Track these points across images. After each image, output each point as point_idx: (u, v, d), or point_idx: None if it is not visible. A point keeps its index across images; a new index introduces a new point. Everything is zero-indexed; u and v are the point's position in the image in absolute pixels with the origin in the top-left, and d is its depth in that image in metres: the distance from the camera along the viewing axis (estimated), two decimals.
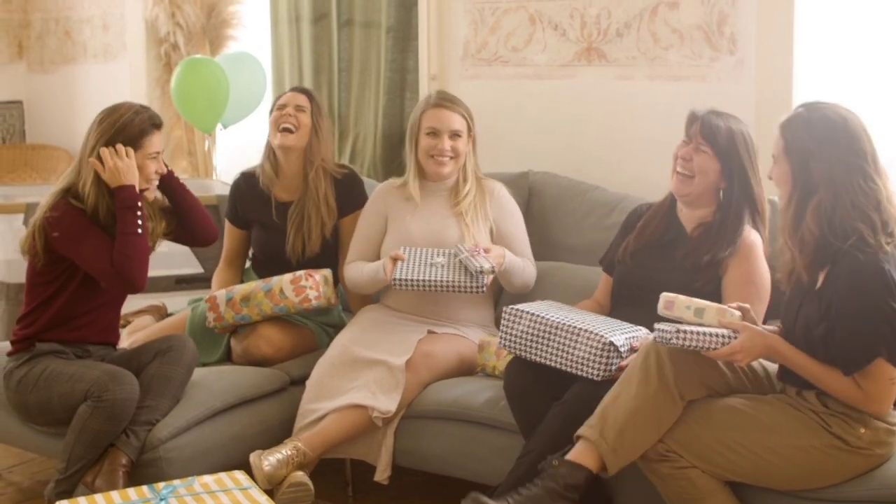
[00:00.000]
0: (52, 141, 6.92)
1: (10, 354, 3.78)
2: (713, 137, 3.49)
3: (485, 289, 3.78)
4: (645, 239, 3.65)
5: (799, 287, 3.06)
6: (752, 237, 3.51)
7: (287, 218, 4.25)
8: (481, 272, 3.73)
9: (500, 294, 4.25)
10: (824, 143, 2.96)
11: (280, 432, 3.80)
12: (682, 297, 3.11)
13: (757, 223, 3.55)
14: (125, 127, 3.68)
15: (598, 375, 3.28)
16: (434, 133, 4.01)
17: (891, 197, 2.97)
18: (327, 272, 4.08)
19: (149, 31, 6.18)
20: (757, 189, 3.52)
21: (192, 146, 6.25)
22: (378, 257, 4.08)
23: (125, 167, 3.64)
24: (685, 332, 3.02)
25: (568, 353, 3.34)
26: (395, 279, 3.79)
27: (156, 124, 3.76)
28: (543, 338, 3.40)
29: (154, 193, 3.83)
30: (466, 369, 3.90)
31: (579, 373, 3.32)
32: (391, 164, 5.17)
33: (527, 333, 3.44)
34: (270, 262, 4.31)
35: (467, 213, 4.02)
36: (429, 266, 3.81)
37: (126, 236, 3.62)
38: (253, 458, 3.58)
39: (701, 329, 3.03)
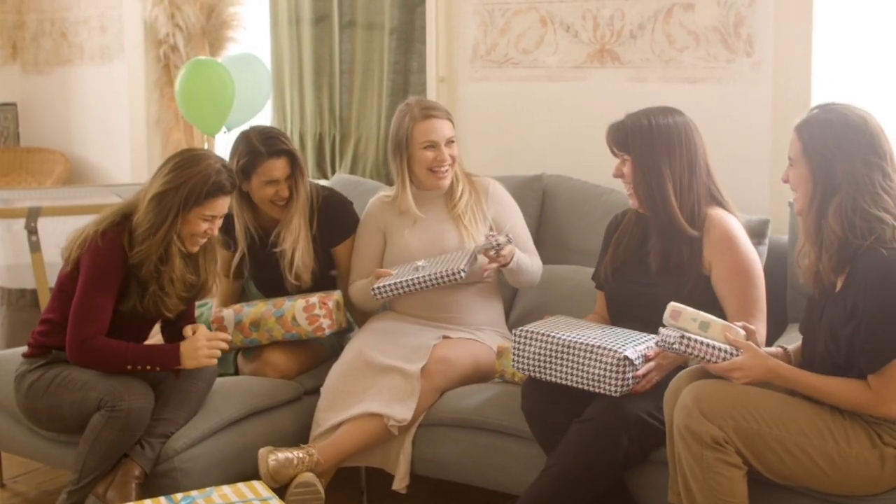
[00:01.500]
0: (47, 144, 6.82)
1: (25, 356, 3.68)
2: (623, 143, 3.47)
3: (463, 274, 3.69)
4: (621, 256, 3.59)
5: (820, 292, 3.02)
6: (727, 222, 3.43)
7: (275, 257, 4.06)
8: (497, 245, 3.68)
9: (515, 296, 4.19)
10: (845, 142, 2.92)
11: (294, 442, 3.72)
12: (689, 309, 3.08)
13: (722, 203, 3.48)
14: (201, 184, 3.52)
15: (615, 391, 3.22)
16: (432, 146, 3.94)
17: None
18: (339, 296, 3.99)
19: (147, 33, 6.09)
20: (685, 178, 3.41)
21: None
22: None
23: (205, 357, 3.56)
24: (689, 339, 3.01)
25: (583, 371, 3.28)
26: (373, 288, 3.77)
27: (225, 189, 3.57)
28: (556, 358, 3.34)
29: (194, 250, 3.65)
30: (483, 375, 3.84)
31: (597, 390, 3.26)
32: (389, 171, 5.10)
33: (539, 354, 3.37)
34: (269, 290, 4.16)
35: (465, 214, 3.97)
36: (410, 270, 3.78)
37: (124, 356, 3.49)
38: (262, 451, 3.52)
39: (704, 340, 3.01)
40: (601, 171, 4.40)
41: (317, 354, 4.12)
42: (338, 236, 4.13)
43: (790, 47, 4.07)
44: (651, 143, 3.41)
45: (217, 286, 4.00)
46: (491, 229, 3.98)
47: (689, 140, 3.43)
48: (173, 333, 3.73)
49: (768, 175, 4.08)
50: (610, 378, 3.21)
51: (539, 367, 3.37)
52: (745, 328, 3.07)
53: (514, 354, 3.43)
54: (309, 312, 3.89)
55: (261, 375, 3.96)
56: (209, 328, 4.02)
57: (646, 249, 3.52)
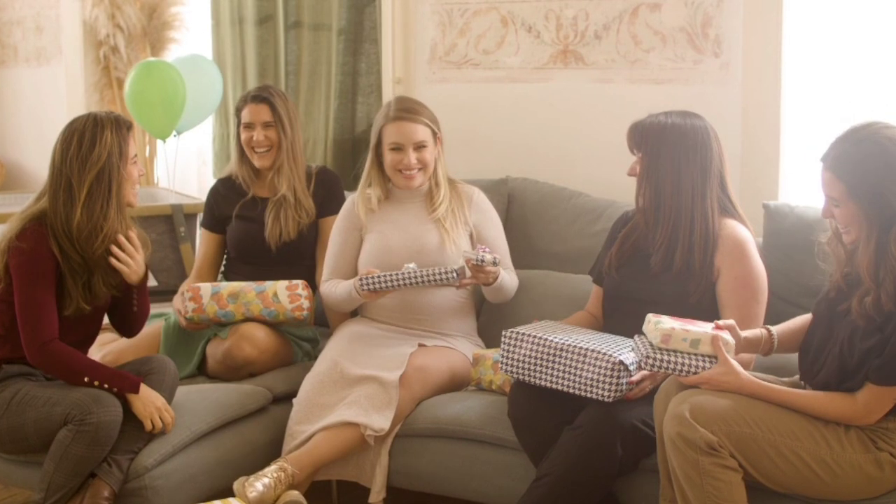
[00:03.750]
0: None
1: None
2: (639, 141, 3.42)
3: (456, 275, 3.64)
4: (627, 251, 3.54)
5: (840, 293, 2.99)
6: (739, 233, 3.40)
7: (266, 210, 4.17)
8: (482, 262, 3.60)
9: (482, 305, 4.11)
10: (888, 175, 2.85)
11: (267, 454, 3.62)
12: (678, 329, 3.02)
13: (735, 215, 3.44)
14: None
15: (609, 396, 3.16)
16: (398, 148, 3.86)
17: None
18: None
19: (87, 34, 5.93)
20: (697, 182, 3.36)
21: None
22: (354, 273, 3.93)
23: (139, 258, 3.51)
24: (653, 359, 2.99)
25: (575, 375, 3.21)
26: (360, 278, 3.72)
27: (129, 127, 3.54)
28: (548, 361, 3.26)
29: (138, 201, 3.61)
30: (458, 383, 3.77)
31: (589, 395, 3.19)
32: (342, 170, 5.00)
33: (529, 357, 3.30)
34: (246, 254, 4.21)
35: (445, 218, 3.90)
36: (399, 270, 3.72)
37: (85, 369, 3.40)
38: (237, 486, 3.37)
39: (672, 357, 2.99)
40: (568, 174, 4.40)
41: (287, 350, 4.05)
42: (330, 206, 4.20)
43: (760, 48, 4.04)
44: (662, 141, 3.36)
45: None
46: (471, 237, 3.92)
47: (704, 145, 3.38)
48: (120, 318, 3.69)
49: (738, 176, 4.04)
50: (603, 383, 3.15)
51: (528, 370, 3.30)
52: (731, 330, 3.05)
53: (502, 356, 3.35)
54: (292, 291, 3.90)
55: (237, 352, 3.87)
56: (178, 336, 4.02)
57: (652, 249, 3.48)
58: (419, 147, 3.86)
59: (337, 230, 4.01)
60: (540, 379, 3.28)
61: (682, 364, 2.99)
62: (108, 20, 5.82)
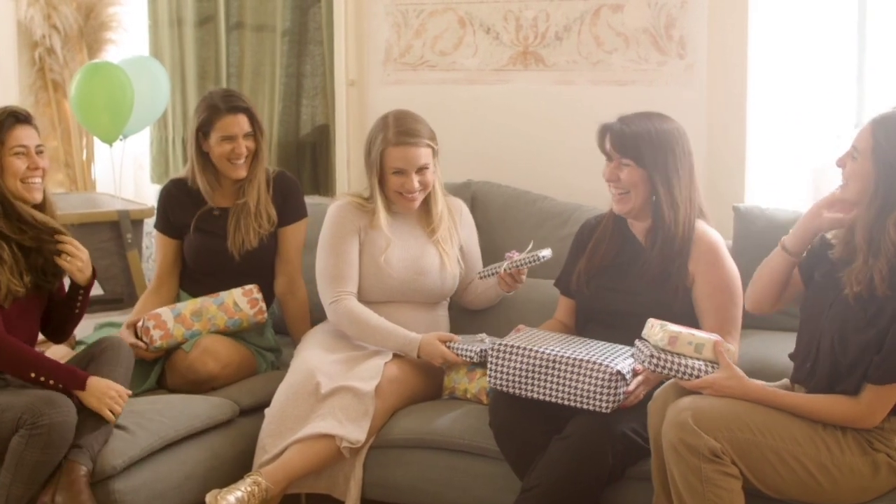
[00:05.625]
0: None
1: None
2: (628, 148, 3.34)
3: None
4: (597, 262, 3.48)
5: (832, 283, 2.95)
6: (711, 236, 3.37)
7: (227, 220, 4.00)
8: (541, 259, 3.58)
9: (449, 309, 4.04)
10: None
11: (235, 467, 3.52)
12: (684, 333, 3.00)
13: (703, 217, 3.42)
14: None
15: (606, 407, 3.10)
16: (401, 172, 3.75)
17: None
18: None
19: (21, 35, 5.72)
20: (685, 189, 3.34)
21: (70, 157, 5.83)
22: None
23: (85, 256, 3.45)
24: (658, 359, 2.96)
25: (570, 387, 3.14)
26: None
27: (17, 118, 3.45)
28: (540, 373, 3.19)
29: (38, 195, 3.48)
30: (432, 393, 3.69)
31: (585, 406, 3.13)
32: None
33: (520, 370, 3.22)
34: (207, 266, 4.04)
35: (445, 238, 3.84)
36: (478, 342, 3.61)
37: (30, 361, 3.31)
38: (209, 499, 3.26)
39: (677, 359, 2.97)
40: (530, 177, 4.35)
41: (249, 361, 3.95)
42: (289, 215, 4.05)
43: (725, 49, 4.04)
44: (660, 150, 3.31)
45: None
46: (460, 250, 3.90)
47: (687, 148, 3.36)
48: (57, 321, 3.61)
49: (704, 179, 4.00)
50: (600, 394, 3.09)
51: (519, 383, 3.22)
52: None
53: (489, 370, 3.27)
54: (249, 296, 3.87)
55: (199, 367, 3.75)
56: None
57: (625, 257, 3.42)
58: (422, 170, 3.77)
59: (337, 237, 3.82)
60: (532, 392, 3.21)
61: (686, 367, 2.96)
62: (43, 20, 5.61)
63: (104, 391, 3.31)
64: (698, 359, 2.97)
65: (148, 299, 4.05)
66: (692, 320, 3.28)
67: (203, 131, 3.97)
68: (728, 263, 3.36)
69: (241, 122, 3.94)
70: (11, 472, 3.16)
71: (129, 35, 5.73)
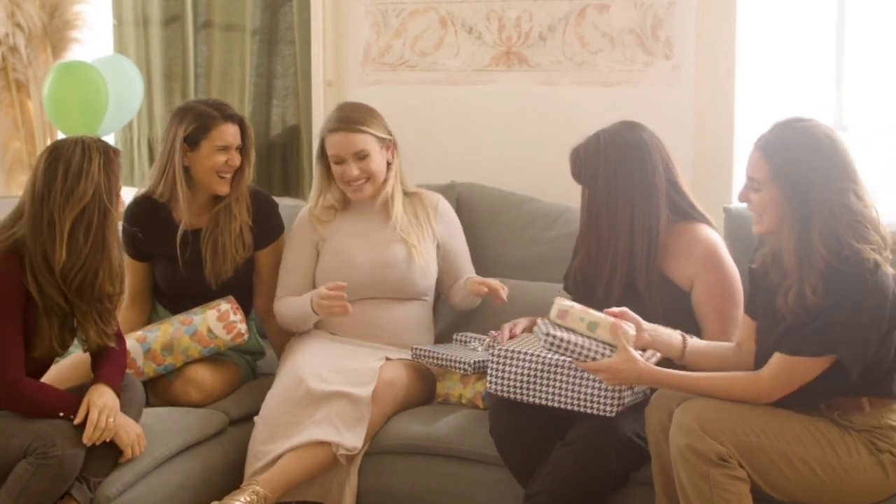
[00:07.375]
0: None
1: None
2: (581, 174, 3.34)
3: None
4: (578, 283, 3.45)
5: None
6: (710, 238, 3.34)
7: (200, 246, 3.79)
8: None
9: (435, 311, 4.00)
10: (817, 168, 2.83)
11: (226, 477, 3.46)
12: (577, 307, 2.99)
13: (699, 218, 3.38)
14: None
15: (611, 411, 3.07)
16: (339, 160, 3.72)
17: (879, 216, 2.89)
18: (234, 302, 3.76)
19: None
20: (637, 205, 3.26)
21: (33, 159, 5.68)
22: (310, 287, 3.77)
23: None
24: (553, 339, 2.93)
25: (574, 391, 3.11)
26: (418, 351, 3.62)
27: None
28: (543, 378, 3.15)
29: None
30: (426, 398, 3.65)
31: (589, 410, 3.09)
32: (256, 174, 4.82)
33: (522, 375, 3.18)
34: (183, 292, 3.85)
35: (408, 233, 3.76)
36: (469, 351, 3.59)
37: (59, 404, 3.14)
38: None
39: (572, 339, 2.93)
40: (515, 179, 4.32)
41: (236, 375, 3.85)
42: (265, 237, 3.87)
43: (713, 50, 4.04)
44: (603, 178, 3.26)
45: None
46: (438, 248, 3.84)
47: (642, 163, 3.26)
48: None
49: (691, 180, 3.97)
50: (605, 398, 3.06)
51: (521, 388, 3.18)
52: (624, 316, 2.99)
53: (490, 376, 3.23)
54: (225, 321, 3.67)
55: (182, 397, 3.64)
56: None
57: None
58: (361, 157, 3.71)
59: (292, 246, 3.83)
60: (535, 397, 3.17)
61: (582, 348, 2.92)
62: (6, 18, 5.48)
63: (133, 428, 3.22)
64: (593, 338, 2.93)
65: (123, 316, 3.73)
66: (690, 326, 3.24)
67: (191, 141, 3.73)
68: (728, 265, 3.33)
69: (235, 133, 3.78)
70: (13, 498, 3.05)
71: (95, 34, 5.63)
